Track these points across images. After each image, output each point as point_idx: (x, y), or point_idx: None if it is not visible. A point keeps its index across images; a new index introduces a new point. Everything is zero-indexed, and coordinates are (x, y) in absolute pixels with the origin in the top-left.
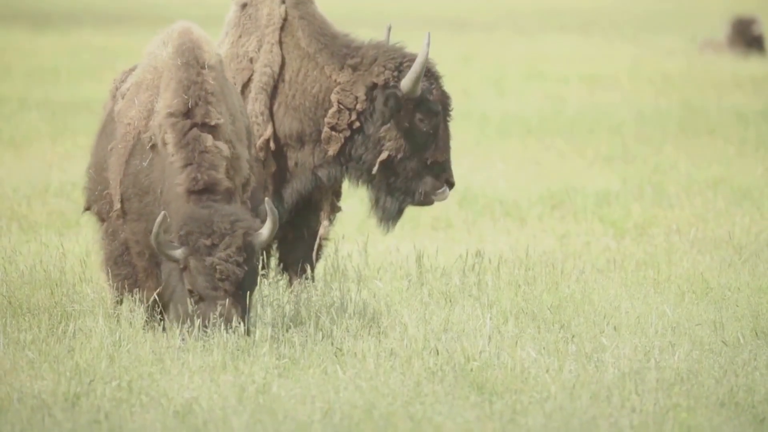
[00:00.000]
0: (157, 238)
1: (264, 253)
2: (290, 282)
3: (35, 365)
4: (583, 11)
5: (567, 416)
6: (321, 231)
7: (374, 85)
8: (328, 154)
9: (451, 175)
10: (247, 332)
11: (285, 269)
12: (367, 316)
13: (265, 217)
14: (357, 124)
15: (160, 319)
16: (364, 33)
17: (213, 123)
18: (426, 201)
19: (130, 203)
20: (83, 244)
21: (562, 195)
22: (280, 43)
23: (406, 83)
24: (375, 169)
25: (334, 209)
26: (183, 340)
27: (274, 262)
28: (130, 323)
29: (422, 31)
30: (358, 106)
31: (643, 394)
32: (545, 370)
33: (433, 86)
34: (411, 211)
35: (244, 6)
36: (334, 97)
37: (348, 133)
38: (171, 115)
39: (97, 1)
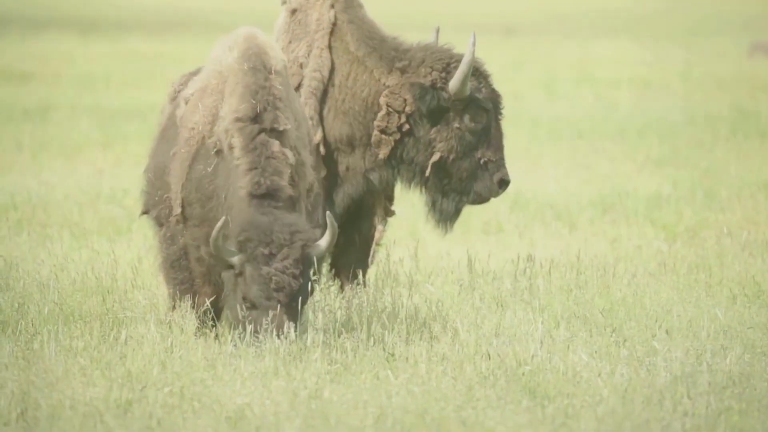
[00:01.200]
0: (216, 242)
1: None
2: (342, 287)
3: (87, 372)
4: (633, 15)
5: (619, 420)
6: (376, 236)
7: (422, 87)
8: (378, 157)
9: (505, 174)
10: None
11: (337, 275)
12: (418, 321)
13: (324, 226)
14: (407, 126)
15: (212, 326)
16: (413, 38)
17: (281, 129)
18: (481, 200)
19: (192, 208)
20: (135, 250)
21: (613, 199)
22: (330, 47)
23: (454, 84)
24: (428, 171)
25: (388, 213)
26: (235, 346)
27: (325, 267)
28: (182, 329)
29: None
30: (407, 109)
31: (695, 398)
32: (597, 374)
33: (482, 85)
34: (462, 216)
35: (293, 12)
36: (383, 101)
37: (398, 135)
38: (238, 119)
39: (147, 9)
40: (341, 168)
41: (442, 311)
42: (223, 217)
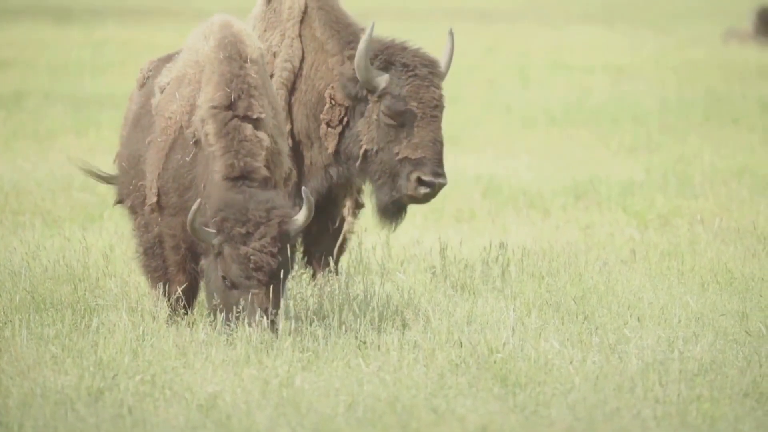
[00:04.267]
0: (192, 224)
1: None
2: (314, 275)
3: (58, 360)
4: (607, 1)
5: (590, 407)
6: (345, 227)
7: (342, 74)
8: (328, 151)
9: (424, 173)
10: (275, 328)
11: (309, 262)
12: (390, 309)
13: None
14: (346, 119)
15: (184, 313)
16: (387, 26)
17: (255, 116)
18: (405, 199)
19: (168, 197)
20: (107, 238)
21: (586, 185)
22: (300, 36)
23: (357, 72)
24: (358, 163)
25: (358, 205)
26: (206, 333)
27: (298, 255)
28: (154, 317)
29: (446, 23)
30: (346, 102)
31: (666, 385)
32: (569, 361)
33: (404, 80)
34: (434, 203)
35: (269, 0)
36: (327, 93)
37: (340, 128)
38: (213, 107)
39: None
40: (306, 162)
41: (413, 299)
42: (198, 200)
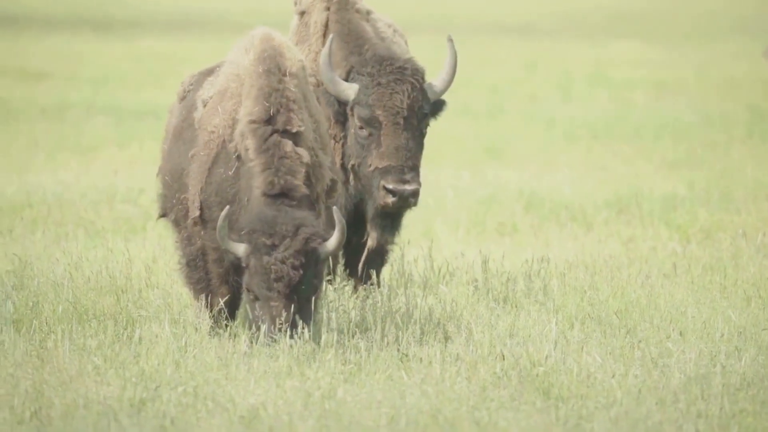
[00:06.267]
0: (221, 231)
1: (330, 258)
2: (356, 288)
3: (101, 371)
4: (648, 16)
5: (633, 421)
6: (369, 243)
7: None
8: (336, 167)
9: (388, 181)
10: (292, 336)
11: (351, 275)
12: (432, 322)
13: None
14: (344, 133)
15: (226, 325)
16: (428, 41)
17: (294, 130)
18: (380, 208)
19: (211, 211)
20: (149, 249)
21: (628, 200)
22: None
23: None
24: (351, 178)
25: None
26: (249, 346)
27: (340, 267)
28: (196, 329)
29: (487, 37)
30: (337, 117)
31: (708, 399)
32: (611, 375)
33: (370, 89)
34: (476, 216)
35: (302, 14)
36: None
37: (342, 142)
38: (252, 122)
39: (161, 9)
40: None
41: (456, 312)
42: (227, 207)
